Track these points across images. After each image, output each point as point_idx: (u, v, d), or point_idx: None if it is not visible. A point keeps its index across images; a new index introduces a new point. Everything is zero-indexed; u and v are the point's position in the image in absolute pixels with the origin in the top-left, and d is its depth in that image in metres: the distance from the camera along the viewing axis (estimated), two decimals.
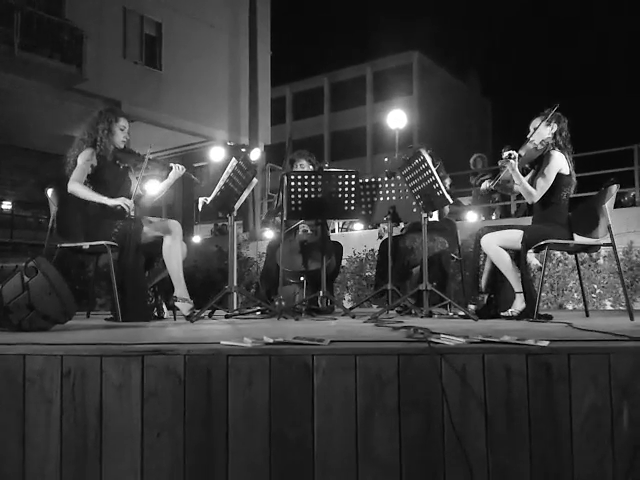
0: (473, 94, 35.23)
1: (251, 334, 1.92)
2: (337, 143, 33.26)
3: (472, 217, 13.74)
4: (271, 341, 1.73)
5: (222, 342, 1.73)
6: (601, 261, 6.54)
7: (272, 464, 1.60)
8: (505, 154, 3.16)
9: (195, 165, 16.87)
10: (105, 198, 3.29)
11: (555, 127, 3.29)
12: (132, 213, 3.35)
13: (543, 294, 6.83)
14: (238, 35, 16.36)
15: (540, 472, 1.60)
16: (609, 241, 3.19)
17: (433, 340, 1.71)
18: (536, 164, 3.30)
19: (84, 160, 3.34)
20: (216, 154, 9.69)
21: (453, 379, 1.61)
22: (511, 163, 3.14)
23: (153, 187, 3.78)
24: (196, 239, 14.44)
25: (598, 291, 6.62)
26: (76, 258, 6.05)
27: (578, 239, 3.29)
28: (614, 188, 3.18)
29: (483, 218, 14.35)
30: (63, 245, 3.38)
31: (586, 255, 6.49)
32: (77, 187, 3.30)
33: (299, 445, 1.60)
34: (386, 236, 4.04)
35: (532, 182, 3.26)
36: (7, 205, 12.77)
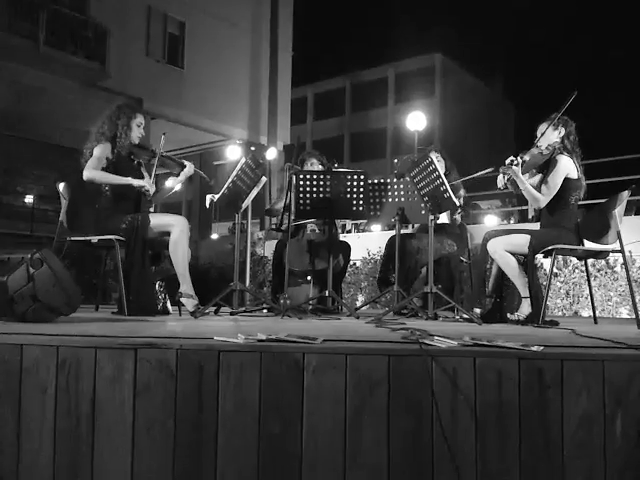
0: (496, 96, 34.91)
1: (248, 331, 1.93)
2: (357, 144, 33.20)
3: (491, 221, 13.63)
4: (263, 338, 1.73)
5: (215, 338, 1.73)
6: (618, 268, 6.41)
7: (260, 460, 1.60)
8: (507, 161, 3.12)
9: (215, 163, 16.98)
10: (128, 178, 3.34)
11: (563, 131, 3.26)
12: (151, 191, 3.39)
13: (558, 300, 6.72)
14: (260, 35, 16.47)
15: (529, 478, 1.58)
16: (619, 247, 3.14)
17: (425, 342, 1.70)
18: (544, 168, 3.26)
19: (101, 152, 3.37)
20: (232, 153, 9.76)
21: (444, 382, 1.60)
22: (513, 170, 3.10)
23: (167, 182, 3.83)
24: (214, 236, 14.54)
25: (615, 299, 6.50)
26: (94, 252, 6.12)
27: (587, 245, 3.25)
28: (625, 194, 3.13)
29: (504, 222, 14.15)
30: (72, 238, 3.43)
31: (603, 262, 6.39)
32: (94, 173, 3.31)
33: (288, 443, 1.60)
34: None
35: (539, 187, 3.22)
36: (29, 199, 13.00)
